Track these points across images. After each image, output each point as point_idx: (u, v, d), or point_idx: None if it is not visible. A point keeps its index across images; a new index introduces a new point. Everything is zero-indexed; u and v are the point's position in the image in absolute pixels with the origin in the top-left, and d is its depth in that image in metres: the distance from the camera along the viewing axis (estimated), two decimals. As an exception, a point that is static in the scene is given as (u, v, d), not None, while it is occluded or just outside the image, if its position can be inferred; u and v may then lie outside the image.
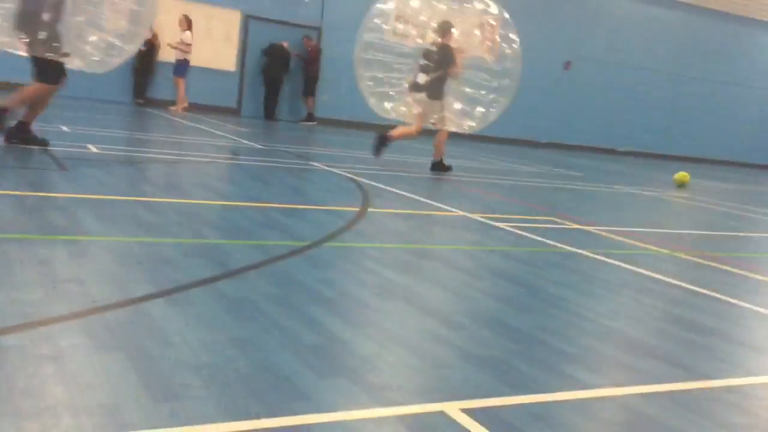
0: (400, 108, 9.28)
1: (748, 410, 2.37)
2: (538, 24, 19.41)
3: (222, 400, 1.95)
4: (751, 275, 4.72)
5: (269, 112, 16.84)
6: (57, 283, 2.78)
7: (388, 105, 9.25)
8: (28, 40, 6.29)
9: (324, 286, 3.20)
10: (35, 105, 6.64)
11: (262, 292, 3.00)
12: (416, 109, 9.01)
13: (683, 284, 4.14)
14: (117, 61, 6.85)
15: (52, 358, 2.10)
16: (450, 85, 8.86)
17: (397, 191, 6.75)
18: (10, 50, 6.51)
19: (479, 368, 2.43)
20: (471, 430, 1.96)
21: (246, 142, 10.40)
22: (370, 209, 5.50)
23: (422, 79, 8.77)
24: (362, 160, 9.41)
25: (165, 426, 1.78)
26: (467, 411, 2.07)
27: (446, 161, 8.99)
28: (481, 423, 2.00)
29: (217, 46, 16.39)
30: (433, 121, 9.01)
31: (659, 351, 2.87)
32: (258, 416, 1.89)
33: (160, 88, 15.95)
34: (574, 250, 4.80)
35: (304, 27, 17.11)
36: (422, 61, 8.82)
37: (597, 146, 20.68)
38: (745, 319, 3.65)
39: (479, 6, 9.18)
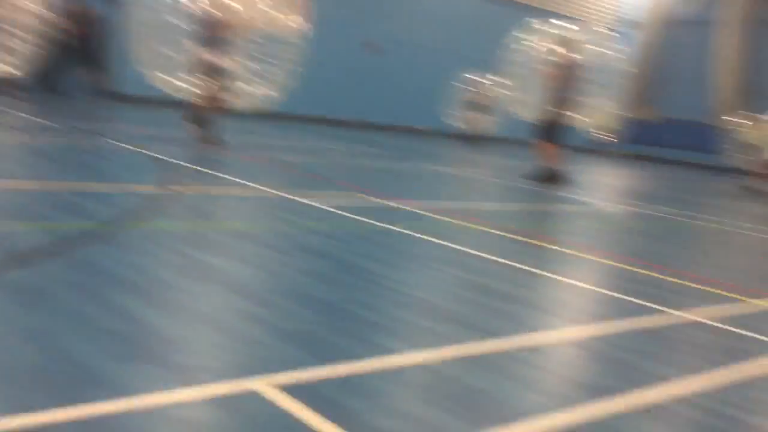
0: None
1: (538, 365, 2.59)
2: (337, 4, 19.41)
3: (8, 394, 1.78)
4: (545, 245, 5.15)
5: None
6: None
7: None
8: None
9: (127, 269, 3.02)
10: None
11: (58, 279, 2.77)
12: None
13: (482, 254, 4.41)
14: None
15: None
16: None
17: (203, 170, 6.54)
18: None
19: (287, 342, 2.43)
20: (282, 404, 1.95)
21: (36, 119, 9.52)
22: (174, 188, 5.27)
23: None
24: (164, 139, 8.99)
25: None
26: (278, 386, 2.06)
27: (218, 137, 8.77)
28: (294, 396, 2.00)
29: None
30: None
31: (458, 315, 3.04)
32: (47, 408, 1.74)
33: None
34: (380, 224, 4.93)
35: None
36: None
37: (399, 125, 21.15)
38: (541, 286, 3.96)
39: None
